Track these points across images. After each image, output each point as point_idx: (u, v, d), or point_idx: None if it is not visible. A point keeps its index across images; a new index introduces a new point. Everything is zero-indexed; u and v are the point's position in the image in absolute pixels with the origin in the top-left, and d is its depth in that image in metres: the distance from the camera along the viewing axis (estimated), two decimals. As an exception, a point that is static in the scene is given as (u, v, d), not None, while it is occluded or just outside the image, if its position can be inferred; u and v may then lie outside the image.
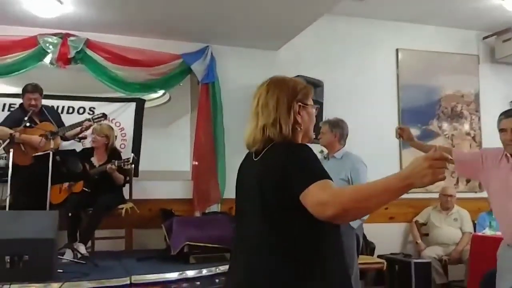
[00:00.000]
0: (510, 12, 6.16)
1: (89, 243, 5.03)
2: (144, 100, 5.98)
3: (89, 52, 5.58)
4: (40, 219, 3.74)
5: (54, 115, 5.19)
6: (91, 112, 5.66)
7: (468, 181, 6.68)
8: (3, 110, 5.41)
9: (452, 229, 6.05)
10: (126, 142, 5.86)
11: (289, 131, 1.80)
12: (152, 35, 5.85)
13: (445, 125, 6.98)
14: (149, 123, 5.92)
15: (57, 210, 4.09)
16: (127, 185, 5.36)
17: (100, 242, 5.28)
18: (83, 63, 5.58)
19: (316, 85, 5.61)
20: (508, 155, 3.15)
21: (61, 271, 3.83)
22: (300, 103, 1.85)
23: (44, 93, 5.06)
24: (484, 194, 3.75)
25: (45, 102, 5.14)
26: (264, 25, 5.57)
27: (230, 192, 5.82)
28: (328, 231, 1.70)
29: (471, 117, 7.09)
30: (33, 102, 4.93)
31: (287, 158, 1.70)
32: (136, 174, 5.57)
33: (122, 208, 5.09)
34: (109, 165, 4.93)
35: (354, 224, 4.02)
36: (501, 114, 3.27)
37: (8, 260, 3.45)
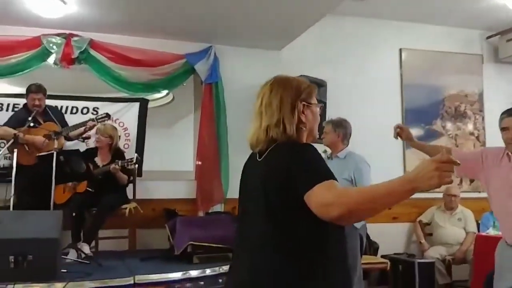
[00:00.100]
0: (513, 12, 6.16)
1: (93, 243, 5.04)
2: (148, 100, 5.98)
3: (92, 52, 5.59)
4: (44, 219, 3.75)
5: (57, 115, 5.21)
6: (94, 112, 5.67)
7: (472, 181, 6.66)
8: (7, 110, 5.42)
9: (456, 229, 6.04)
10: (129, 142, 5.87)
11: (294, 131, 1.79)
12: (155, 35, 5.86)
13: (448, 125, 6.97)
14: (152, 123, 5.92)
15: (61, 210, 4.12)
16: (131, 185, 5.38)
17: (104, 242, 5.29)
18: (86, 63, 5.58)
19: (320, 85, 5.61)
20: (510, 154, 3.14)
21: (65, 271, 3.84)
22: (304, 102, 1.84)
23: (48, 93, 5.07)
24: (488, 194, 3.75)
25: (48, 102, 5.15)
26: (267, 25, 5.57)
27: (233, 192, 5.82)
28: (332, 232, 1.69)
29: (475, 117, 7.08)
30: (37, 102, 4.95)
31: (291, 158, 1.69)
32: (139, 174, 5.59)
33: (126, 208, 5.09)
34: (112, 165, 4.95)
35: (358, 224, 4.01)
36: (503, 113, 3.24)
37: (12, 260, 3.46)
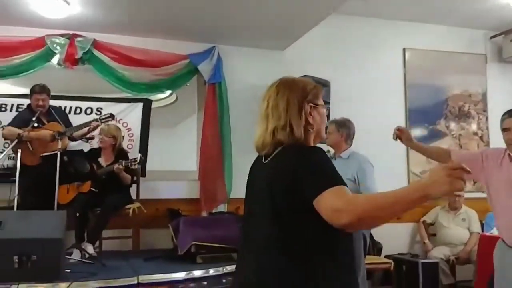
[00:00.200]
0: (517, 11, 6.15)
1: (97, 243, 5.05)
2: (151, 101, 5.99)
3: (96, 52, 5.61)
4: (48, 219, 3.76)
5: (61, 115, 5.22)
6: (98, 113, 5.68)
7: (475, 181, 6.65)
8: (11, 110, 5.44)
9: (460, 229, 6.03)
10: (133, 142, 5.88)
11: (301, 133, 1.78)
12: (159, 36, 5.87)
13: (452, 125, 6.96)
14: (156, 123, 5.94)
15: (65, 210, 4.12)
16: (134, 185, 5.38)
17: (108, 242, 5.30)
18: (90, 64, 5.60)
19: (323, 85, 5.58)
20: (511, 154, 3.11)
21: (68, 271, 3.85)
22: (311, 104, 1.82)
23: (52, 93, 5.09)
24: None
25: (52, 102, 5.17)
26: (270, 25, 5.57)
27: (236, 192, 5.83)
28: (339, 234, 1.66)
29: (479, 116, 7.07)
30: (40, 103, 4.96)
31: (298, 161, 1.67)
32: (143, 174, 5.59)
33: (130, 208, 5.10)
34: (116, 165, 4.95)
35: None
36: (504, 114, 3.22)
37: (16, 260, 3.47)
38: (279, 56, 6.29)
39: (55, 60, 5.50)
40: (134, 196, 5.34)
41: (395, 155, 6.33)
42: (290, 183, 1.65)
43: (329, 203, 1.55)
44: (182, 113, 6.20)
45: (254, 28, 5.68)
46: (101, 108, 5.75)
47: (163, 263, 4.63)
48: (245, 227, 1.90)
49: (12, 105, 5.47)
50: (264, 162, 1.83)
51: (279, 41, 6.07)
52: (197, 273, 4.20)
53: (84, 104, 5.76)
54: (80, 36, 5.57)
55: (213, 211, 5.92)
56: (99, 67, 5.61)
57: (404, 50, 6.87)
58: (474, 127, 7.04)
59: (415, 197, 1.48)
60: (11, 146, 4.76)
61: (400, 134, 3.41)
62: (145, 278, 3.90)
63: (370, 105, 6.39)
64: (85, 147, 5.35)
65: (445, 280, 5.64)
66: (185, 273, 4.13)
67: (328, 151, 4.41)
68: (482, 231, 5.89)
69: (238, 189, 5.85)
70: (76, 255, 4.54)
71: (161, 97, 6.14)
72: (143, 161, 5.39)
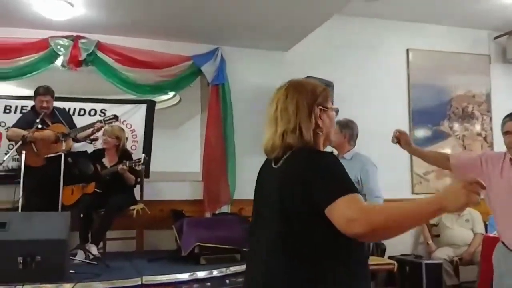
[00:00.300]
0: (521, 12, 6.14)
1: (101, 244, 5.06)
2: (155, 102, 6.01)
3: (100, 54, 5.63)
4: (52, 220, 3.77)
5: (65, 117, 5.23)
6: (102, 114, 5.69)
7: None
8: (15, 112, 5.46)
9: (463, 230, 6.02)
10: (137, 143, 5.89)
11: (311, 137, 1.75)
12: (162, 37, 5.89)
13: (456, 126, 6.95)
14: (159, 124, 5.95)
15: (69, 211, 4.13)
16: (138, 186, 5.40)
17: (112, 243, 5.31)
18: (94, 65, 5.63)
19: (326, 85, 5.60)
20: None
21: (73, 271, 3.86)
22: (320, 107, 1.80)
23: (56, 95, 5.10)
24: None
25: (56, 104, 5.19)
26: (273, 26, 5.58)
27: (240, 193, 5.84)
28: (349, 240, 1.60)
29: (483, 117, 7.06)
30: (45, 104, 4.98)
31: (308, 166, 1.65)
32: (147, 175, 5.61)
33: (133, 209, 5.12)
34: (120, 166, 4.96)
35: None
36: (505, 117, 3.17)
37: (21, 261, 3.48)
38: (282, 57, 6.30)
39: (59, 61, 5.52)
40: (138, 197, 5.36)
41: (399, 156, 6.27)
42: (300, 188, 1.62)
43: (342, 212, 1.52)
44: (185, 114, 6.22)
45: (257, 29, 5.69)
46: (105, 110, 5.77)
47: (167, 264, 4.63)
48: (253, 229, 1.88)
49: (17, 106, 5.49)
50: (274, 166, 1.79)
51: (282, 42, 6.08)
52: (201, 274, 4.20)
53: (88, 106, 5.77)
54: (84, 37, 5.59)
55: (217, 212, 5.92)
56: (103, 68, 5.64)
57: (407, 50, 6.87)
58: (478, 128, 7.03)
59: (431, 210, 1.47)
60: (15, 147, 4.78)
61: (399, 137, 3.32)
62: (148, 279, 3.91)
63: (373, 106, 6.39)
64: (89, 148, 5.37)
65: (449, 281, 5.64)
66: (188, 274, 4.13)
67: (331, 152, 4.41)
68: (486, 232, 5.88)
69: (242, 190, 5.86)
70: (80, 256, 4.55)
71: (165, 98, 6.16)
72: (147, 162, 5.41)
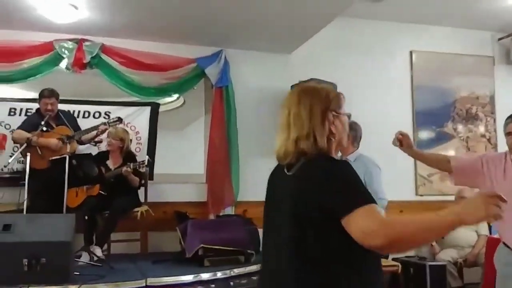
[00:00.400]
0: (525, 13, 6.13)
1: (105, 246, 5.07)
2: (159, 104, 6.02)
3: (104, 57, 5.65)
4: (57, 222, 3.79)
5: (70, 119, 5.26)
6: (106, 116, 5.71)
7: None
8: (20, 114, 5.48)
9: (467, 232, 6.00)
10: (141, 145, 5.90)
11: (325, 143, 1.71)
12: (166, 40, 5.90)
13: (460, 127, 6.94)
14: (163, 126, 5.97)
15: (74, 214, 4.16)
16: (142, 188, 5.41)
17: (116, 244, 5.31)
18: (98, 68, 5.65)
19: (329, 87, 5.61)
20: None
21: (77, 273, 3.88)
22: (333, 112, 1.76)
23: (60, 97, 5.13)
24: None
25: (61, 106, 5.22)
26: (277, 28, 5.59)
27: (244, 194, 5.85)
28: (368, 254, 1.60)
29: (486, 119, 7.05)
30: (49, 107, 5.00)
31: (325, 176, 1.62)
32: (151, 177, 5.62)
33: (138, 211, 5.13)
34: (124, 168, 4.98)
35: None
36: (508, 118, 3.15)
37: (26, 263, 3.50)
38: (286, 59, 6.31)
39: (63, 64, 5.54)
40: (142, 199, 5.37)
41: (402, 158, 6.26)
42: (316, 197, 1.60)
43: (360, 224, 1.50)
44: (189, 116, 6.23)
45: (261, 31, 5.70)
46: (109, 112, 5.79)
47: (171, 265, 4.65)
48: (266, 235, 1.85)
49: (22, 109, 5.51)
50: (287, 172, 1.75)
51: (286, 44, 6.09)
52: (205, 275, 4.22)
53: (92, 108, 5.79)
54: (88, 40, 5.62)
55: (221, 214, 5.93)
56: (107, 71, 5.66)
57: (411, 52, 6.86)
58: (481, 129, 7.02)
59: (450, 223, 1.47)
60: (20, 150, 4.81)
61: (402, 139, 3.27)
62: (153, 281, 3.92)
63: (377, 108, 6.38)
64: (94, 150, 5.39)
65: (453, 283, 5.62)
66: (193, 275, 4.16)
67: (346, 160, 4.42)
68: (490, 233, 5.86)
69: (245, 192, 5.86)
70: (84, 258, 4.56)
71: (169, 101, 6.17)
72: (151, 164, 5.42)
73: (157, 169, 5.74)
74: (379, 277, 1.72)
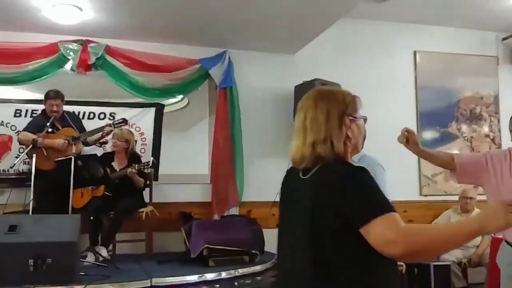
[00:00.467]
0: (529, 13, 6.12)
1: (110, 246, 5.09)
2: (164, 105, 6.04)
3: (109, 58, 5.66)
4: (62, 223, 3.81)
5: (75, 120, 5.28)
6: (111, 118, 5.73)
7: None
8: (25, 116, 5.51)
9: (472, 232, 5.99)
10: (146, 146, 5.92)
11: (341, 148, 1.70)
12: (170, 41, 5.92)
13: (464, 127, 6.94)
14: (168, 127, 5.99)
15: (79, 214, 4.18)
16: (147, 189, 5.43)
17: (121, 245, 5.33)
18: (103, 69, 5.66)
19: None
20: None
21: (83, 273, 3.90)
22: (350, 117, 1.75)
23: (66, 99, 5.16)
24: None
25: (66, 108, 5.24)
26: (280, 29, 5.60)
27: (248, 195, 5.86)
28: (385, 259, 1.57)
29: (491, 119, 7.04)
30: (55, 108, 5.03)
31: (343, 183, 1.59)
32: (156, 178, 5.63)
33: (143, 212, 5.15)
34: (129, 169, 5.00)
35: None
36: None
37: (32, 263, 3.52)
38: (290, 60, 6.31)
39: (68, 66, 5.56)
40: (147, 200, 5.38)
41: (407, 158, 6.27)
42: (333, 203, 1.58)
43: (379, 233, 1.49)
44: (194, 117, 6.25)
45: (265, 32, 5.70)
46: (114, 113, 5.81)
47: (176, 266, 4.66)
48: (281, 240, 1.84)
49: (27, 110, 5.54)
50: (303, 177, 1.74)
51: (289, 45, 6.09)
52: (210, 276, 4.24)
53: (97, 109, 5.81)
54: (93, 42, 5.63)
55: (225, 214, 5.94)
56: (112, 72, 5.67)
57: (415, 52, 6.86)
58: (486, 129, 7.01)
59: (470, 231, 1.46)
60: (26, 151, 4.84)
61: (408, 137, 3.23)
62: (158, 281, 3.94)
63: (381, 108, 6.36)
64: (99, 151, 5.41)
65: (457, 283, 5.62)
66: (197, 276, 4.17)
67: (364, 167, 4.40)
68: (494, 233, 5.86)
69: (250, 192, 5.88)
70: (90, 258, 4.59)
71: (173, 102, 6.18)
72: (155, 165, 5.44)
73: (161, 170, 5.76)
74: (395, 281, 1.71)
